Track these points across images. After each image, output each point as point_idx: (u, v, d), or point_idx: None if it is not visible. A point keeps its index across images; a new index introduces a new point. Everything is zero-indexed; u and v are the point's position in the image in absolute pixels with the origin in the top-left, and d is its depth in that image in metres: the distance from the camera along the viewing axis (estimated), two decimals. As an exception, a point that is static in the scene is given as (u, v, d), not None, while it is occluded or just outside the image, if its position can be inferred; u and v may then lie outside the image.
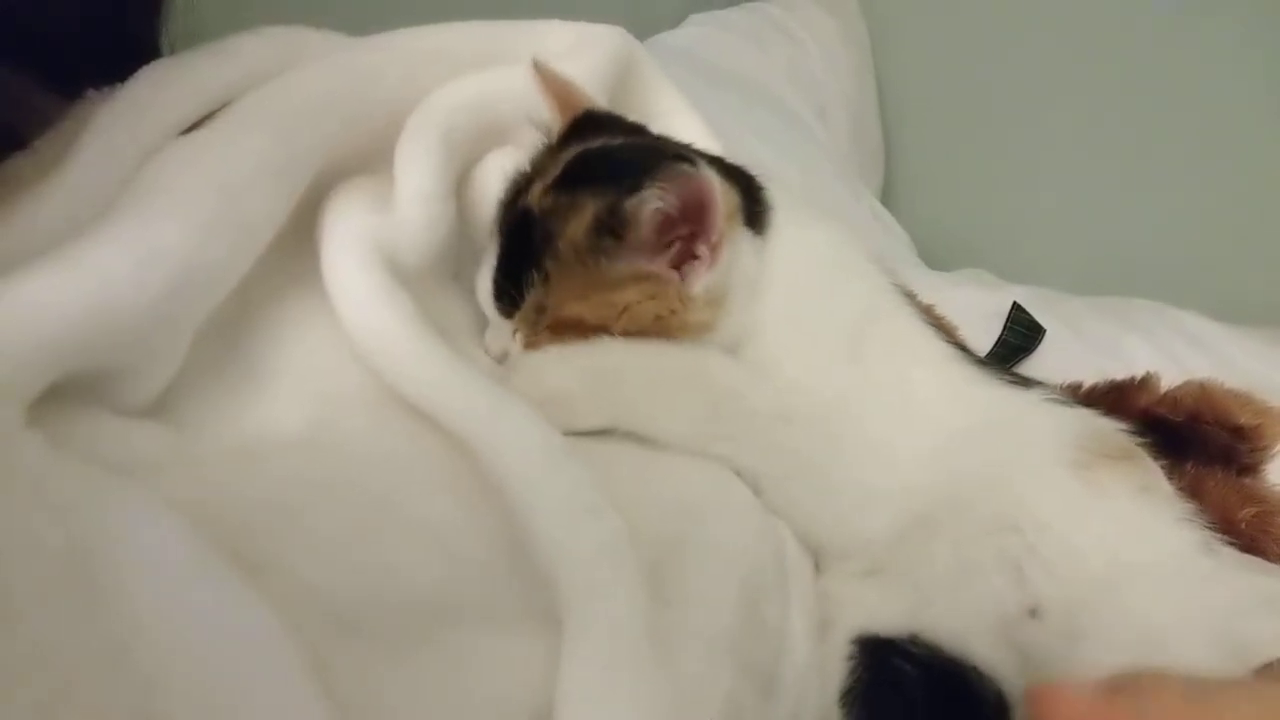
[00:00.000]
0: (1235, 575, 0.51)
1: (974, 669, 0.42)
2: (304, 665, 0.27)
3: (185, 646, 0.25)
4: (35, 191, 0.38)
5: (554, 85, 0.54)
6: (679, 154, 0.47)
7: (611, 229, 0.46)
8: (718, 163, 0.53)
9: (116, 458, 0.32)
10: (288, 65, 0.47)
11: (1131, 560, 0.44)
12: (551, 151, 0.52)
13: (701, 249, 0.47)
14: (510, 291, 0.49)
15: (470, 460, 0.37)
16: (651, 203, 0.45)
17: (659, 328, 0.48)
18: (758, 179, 0.55)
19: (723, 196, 0.46)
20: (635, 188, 0.45)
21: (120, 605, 0.25)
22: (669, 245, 0.47)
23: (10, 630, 0.23)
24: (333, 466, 0.37)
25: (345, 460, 0.38)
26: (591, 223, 0.47)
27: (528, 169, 0.52)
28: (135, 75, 0.42)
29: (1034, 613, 0.43)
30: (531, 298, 0.48)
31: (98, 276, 0.33)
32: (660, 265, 0.47)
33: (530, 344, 0.49)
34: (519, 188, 0.51)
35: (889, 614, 0.45)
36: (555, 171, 0.50)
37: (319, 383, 0.41)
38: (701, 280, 0.48)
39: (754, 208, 0.52)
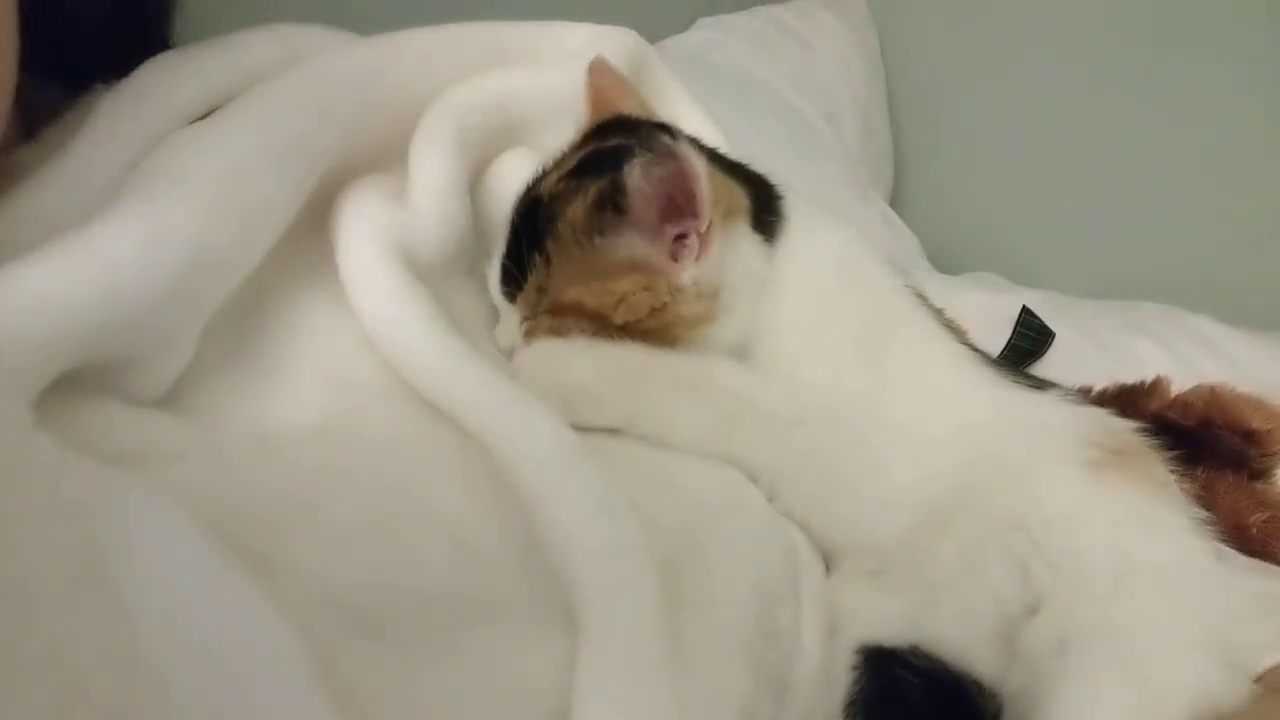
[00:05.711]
0: (1240, 580, 0.51)
1: (975, 682, 0.42)
2: (313, 669, 0.26)
3: (191, 650, 0.25)
4: (38, 179, 0.38)
5: (599, 88, 0.54)
6: (665, 127, 0.47)
7: (612, 203, 0.46)
8: (734, 168, 0.53)
9: (130, 448, 0.32)
10: (296, 61, 0.47)
11: (1136, 562, 0.44)
12: (574, 148, 0.53)
13: (691, 239, 0.47)
14: (514, 273, 0.49)
15: (485, 455, 0.37)
16: (636, 169, 0.45)
17: (656, 320, 0.48)
18: (777, 188, 0.54)
19: (708, 177, 0.46)
20: (629, 159, 0.45)
21: (132, 606, 0.25)
22: (667, 235, 0.47)
23: (25, 629, 0.22)
24: (347, 459, 0.37)
25: (360, 452, 0.38)
26: (590, 201, 0.47)
27: (549, 164, 0.52)
28: (141, 65, 0.42)
29: (1035, 612, 0.43)
30: (533, 279, 0.49)
31: (103, 262, 0.32)
32: (656, 253, 0.47)
33: (531, 328, 0.49)
34: (536, 180, 0.52)
35: (894, 620, 0.45)
36: (571, 163, 0.50)
37: (334, 374, 0.41)
38: (688, 271, 0.47)
39: (768, 216, 0.52)
